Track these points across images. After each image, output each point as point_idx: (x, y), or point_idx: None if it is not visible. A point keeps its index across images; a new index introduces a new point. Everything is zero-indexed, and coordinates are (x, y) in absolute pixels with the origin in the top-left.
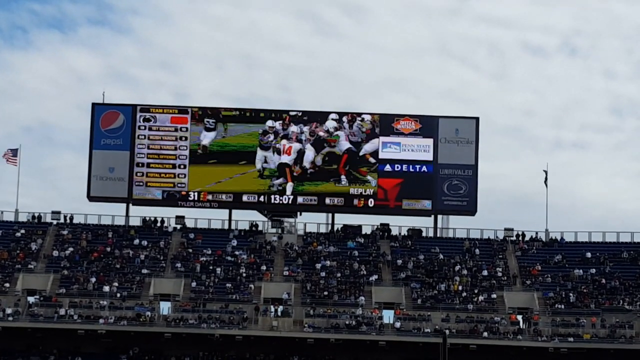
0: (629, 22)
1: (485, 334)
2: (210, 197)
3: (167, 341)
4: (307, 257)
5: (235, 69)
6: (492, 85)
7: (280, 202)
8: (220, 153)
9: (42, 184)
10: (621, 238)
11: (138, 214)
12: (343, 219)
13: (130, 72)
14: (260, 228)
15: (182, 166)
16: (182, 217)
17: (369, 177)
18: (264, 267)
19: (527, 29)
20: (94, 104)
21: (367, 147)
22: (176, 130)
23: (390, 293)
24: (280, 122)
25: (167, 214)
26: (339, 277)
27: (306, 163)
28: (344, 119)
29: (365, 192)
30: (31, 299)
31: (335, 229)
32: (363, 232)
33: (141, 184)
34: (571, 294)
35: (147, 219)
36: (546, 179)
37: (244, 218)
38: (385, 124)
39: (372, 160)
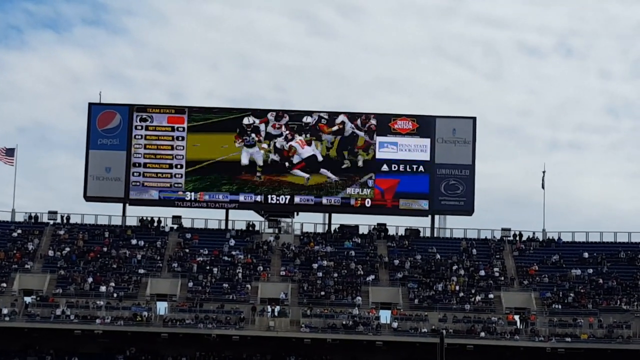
0: (625, 22)
1: (483, 334)
2: (206, 197)
3: (164, 341)
4: (304, 257)
5: (230, 69)
6: (488, 85)
7: (277, 202)
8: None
9: (38, 184)
10: (618, 238)
11: (135, 214)
12: (340, 219)
13: (125, 72)
14: (257, 228)
15: (178, 166)
16: (179, 217)
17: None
18: (260, 267)
19: (523, 29)
20: (90, 104)
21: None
22: (173, 130)
23: (388, 293)
24: (259, 119)
25: (163, 214)
26: (336, 277)
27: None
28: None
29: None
30: (28, 299)
31: (332, 229)
32: (360, 232)
33: (138, 184)
34: (569, 294)
35: (144, 219)
36: (543, 180)
37: (240, 218)
38: (383, 123)
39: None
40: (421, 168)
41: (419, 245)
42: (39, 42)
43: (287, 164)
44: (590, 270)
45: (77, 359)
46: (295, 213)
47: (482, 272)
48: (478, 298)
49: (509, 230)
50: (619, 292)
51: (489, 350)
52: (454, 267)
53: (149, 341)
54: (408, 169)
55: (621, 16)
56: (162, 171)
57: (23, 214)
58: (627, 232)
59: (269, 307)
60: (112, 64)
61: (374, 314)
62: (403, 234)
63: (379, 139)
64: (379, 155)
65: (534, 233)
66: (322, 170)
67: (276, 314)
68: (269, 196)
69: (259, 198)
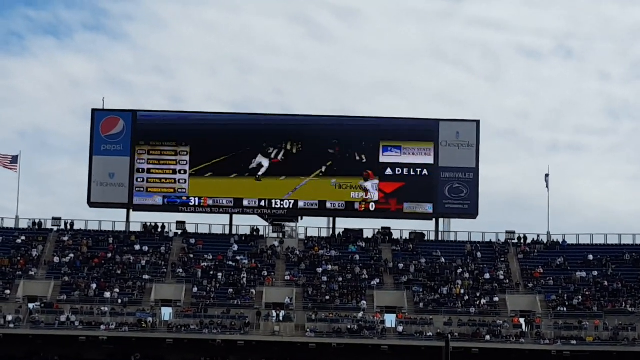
0: (622, 24)
1: (488, 337)
2: (210, 202)
3: (169, 347)
4: (309, 262)
5: (229, 73)
6: (486, 88)
7: (281, 206)
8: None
9: (40, 190)
10: (623, 240)
11: (139, 220)
12: (344, 223)
13: (126, 77)
14: (261, 233)
15: (182, 172)
16: (183, 223)
17: None
18: (265, 272)
19: (521, 32)
20: (93, 110)
21: None
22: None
23: (392, 297)
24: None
25: (167, 220)
26: (340, 282)
27: None
28: None
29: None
30: (32, 306)
31: (336, 233)
32: (364, 236)
33: (141, 189)
34: (574, 297)
35: (148, 224)
36: (547, 182)
37: (244, 223)
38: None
39: None
40: (425, 171)
41: (423, 249)
42: (39, 48)
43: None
44: (595, 273)
45: None
46: (300, 217)
47: (487, 275)
48: (483, 301)
49: (514, 233)
50: (624, 294)
51: (495, 353)
52: (459, 271)
53: (153, 347)
54: (412, 173)
55: (618, 18)
56: (165, 176)
57: (27, 221)
58: (632, 234)
59: (273, 312)
60: (113, 69)
61: (379, 318)
62: (407, 238)
63: (382, 143)
64: (382, 159)
65: (538, 236)
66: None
67: (281, 318)
68: (273, 201)
69: (263, 203)
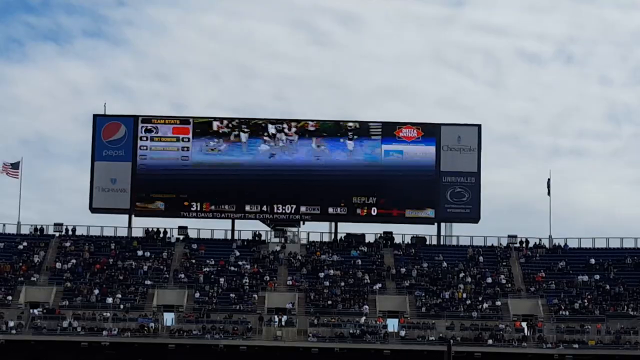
0: (623, 29)
1: (490, 341)
2: (212, 207)
3: (171, 352)
4: (311, 267)
5: (231, 79)
6: (489, 93)
7: (283, 211)
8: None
9: (42, 197)
10: (625, 244)
11: (140, 225)
12: (346, 228)
13: (127, 83)
14: (263, 238)
15: (184, 176)
16: (185, 228)
17: None
18: (267, 277)
19: (522, 37)
20: (95, 115)
21: None
22: (178, 140)
23: (394, 301)
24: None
25: (169, 225)
26: (342, 286)
27: None
28: None
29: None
30: (34, 312)
31: (338, 237)
32: (366, 241)
33: (143, 194)
34: (576, 301)
35: (150, 230)
36: (549, 187)
37: (246, 228)
38: (388, 131)
39: None
40: (427, 176)
41: (425, 253)
42: (40, 54)
43: None
44: (597, 277)
45: None
46: (301, 222)
47: (489, 280)
48: (485, 305)
49: (515, 237)
50: (626, 298)
51: (497, 357)
52: (461, 275)
53: (156, 352)
54: (414, 177)
55: (620, 23)
56: (167, 181)
57: (29, 227)
58: (634, 237)
59: (276, 316)
60: (114, 75)
61: (381, 322)
62: (409, 242)
63: (384, 147)
64: (384, 163)
65: (540, 240)
66: None
67: (283, 323)
68: (275, 206)
69: (264, 207)
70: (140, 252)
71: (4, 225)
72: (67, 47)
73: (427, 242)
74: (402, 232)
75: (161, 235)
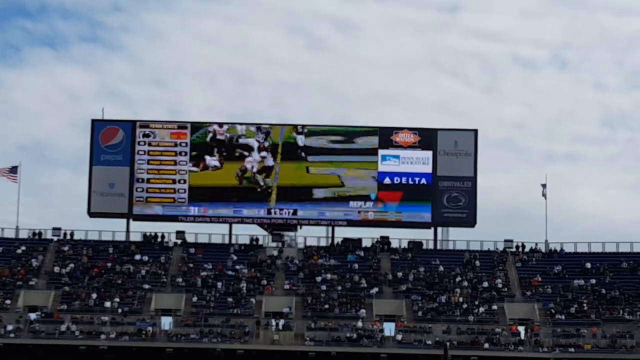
0: (618, 34)
1: (487, 345)
2: (210, 211)
3: (169, 356)
4: (308, 271)
5: (228, 85)
6: (484, 98)
7: (280, 215)
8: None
9: (40, 202)
10: (620, 248)
11: (138, 230)
12: (343, 232)
13: (123, 89)
14: (260, 242)
15: (182, 181)
16: (183, 232)
17: None
18: (264, 281)
19: (517, 42)
20: (93, 120)
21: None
22: (176, 145)
23: (391, 305)
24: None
25: (167, 229)
26: (339, 290)
27: None
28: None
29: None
30: (32, 316)
31: (335, 242)
32: (363, 245)
33: (141, 199)
34: (572, 305)
35: (148, 234)
36: (544, 191)
37: (244, 232)
38: (385, 136)
39: None
40: (423, 180)
41: (422, 258)
42: (37, 59)
43: None
44: (593, 281)
45: None
46: (299, 227)
47: (485, 284)
48: (481, 309)
49: (512, 241)
50: (621, 302)
51: None
52: (457, 279)
53: (154, 356)
54: (410, 182)
55: (614, 28)
56: (165, 186)
57: (27, 231)
58: (629, 242)
59: (273, 320)
60: (110, 81)
61: (378, 326)
62: (406, 247)
63: (381, 152)
64: (381, 168)
65: (536, 244)
66: None
67: (280, 327)
68: (272, 210)
69: (262, 212)
70: (138, 257)
71: (3, 229)
72: (63, 52)
73: (424, 247)
74: (399, 237)
75: (159, 239)
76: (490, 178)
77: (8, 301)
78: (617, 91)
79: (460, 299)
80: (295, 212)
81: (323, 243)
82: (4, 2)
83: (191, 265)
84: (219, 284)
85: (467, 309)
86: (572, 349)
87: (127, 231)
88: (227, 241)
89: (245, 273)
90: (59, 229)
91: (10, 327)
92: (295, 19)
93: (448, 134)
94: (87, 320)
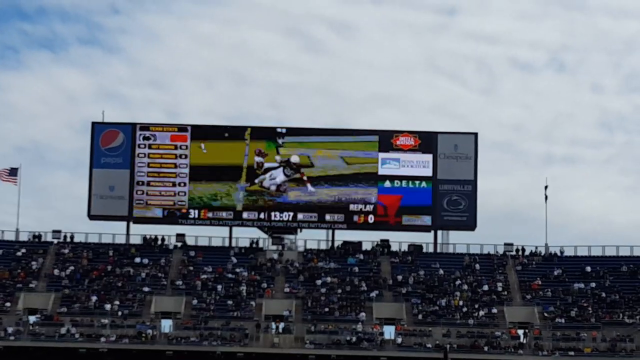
0: (616, 37)
1: (486, 348)
2: (210, 214)
3: (169, 359)
4: (308, 274)
5: (225, 87)
6: (481, 101)
7: (281, 219)
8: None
9: (39, 204)
10: (620, 252)
11: (138, 232)
12: (343, 236)
13: (122, 91)
14: (260, 245)
15: (182, 184)
16: (183, 235)
17: None
18: (264, 284)
19: (515, 45)
20: (93, 123)
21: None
22: (176, 148)
23: (391, 309)
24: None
25: (167, 232)
26: (339, 294)
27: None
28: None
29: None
30: (32, 318)
31: (335, 245)
32: (363, 249)
33: (141, 202)
34: (571, 308)
35: (148, 237)
36: (546, 194)
37: (244, 235)
38: (385, 140)
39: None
40: (423, 184)
41: (422, 261)
42: (35, 62)
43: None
44: (593, 284)
45: None
46: (299, 230)
47: (485, 287)
48: (481, 313)
49: (512, 245)
50: (621, 305)
51: None
52: (457, 283)
53: (153, 359)
54: (410, 185)
55: (612, 31)
56: (165, 189)
57: (27, 234)
58: (629, 245)
59: (273, 323)
60: (108, 83)
61: (378, 329)
62: (406, 250)
63: (381, 155)
64: (381, 172)
65: (536, 247)
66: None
67: (280, 330)
68: (272, 213)
69: (262, 215)
70: (138, 259)
71: (3, 232)
72: (62, 54)
73: (424, 250)
74: (399, 240)
75: (159, 242)
76: (490, 181)
77: (8, 304)
78: (615, 94)
79: (460, 303)
80: (295, 216)
81: (323, 246)
82: (2, 4)
83: (191, 268)
84: (219, 287)
85: (467, 313)
86: (572, 353)
87: (127, 234)
88: (227, 244)
89: (245, 276)
90: (59, 231)
91: (10, 330)
92: (293, 21)
93: (448, 137)
94: (87, 323)
